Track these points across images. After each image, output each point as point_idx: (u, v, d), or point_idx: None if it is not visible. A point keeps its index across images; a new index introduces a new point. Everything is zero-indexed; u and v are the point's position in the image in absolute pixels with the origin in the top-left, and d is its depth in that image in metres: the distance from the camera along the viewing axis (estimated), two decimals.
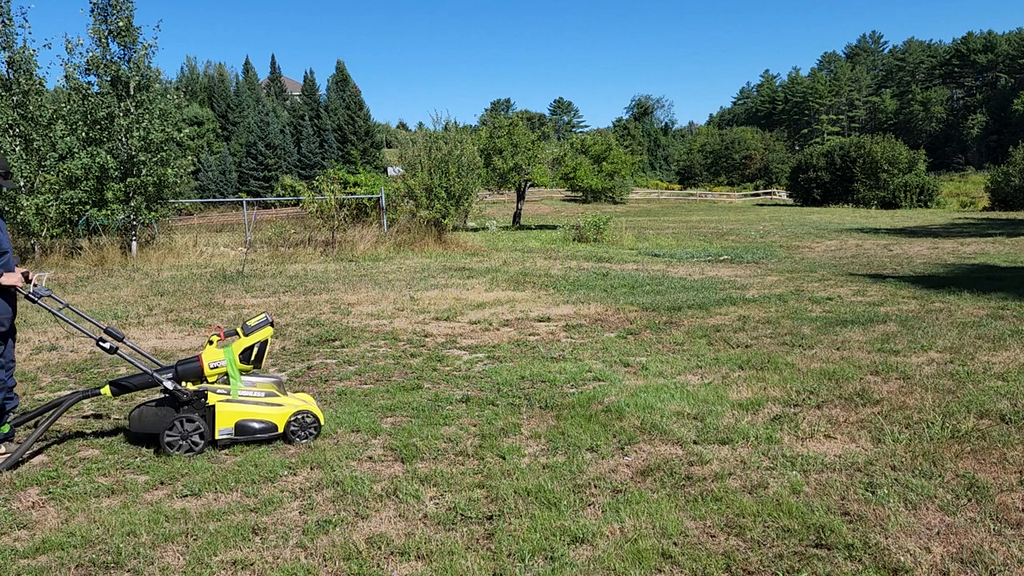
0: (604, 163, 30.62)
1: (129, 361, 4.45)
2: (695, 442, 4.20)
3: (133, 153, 15.62)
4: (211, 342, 4.47)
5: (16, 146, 15.37)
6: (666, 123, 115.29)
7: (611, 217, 22.84)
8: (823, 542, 3.02)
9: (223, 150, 61.14)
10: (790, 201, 53.70)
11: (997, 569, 2.80)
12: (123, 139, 15.65)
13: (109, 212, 15.68)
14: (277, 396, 4.46)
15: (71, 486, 3.79)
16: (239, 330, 4.53)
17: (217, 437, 4.26)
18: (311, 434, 4.40)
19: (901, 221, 29.71)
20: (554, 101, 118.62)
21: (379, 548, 3.08)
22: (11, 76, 15.39)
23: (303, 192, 19.30)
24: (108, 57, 15.62)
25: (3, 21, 15.29)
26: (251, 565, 2.98)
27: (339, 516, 3.39)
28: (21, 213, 14.86)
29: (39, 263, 14.90)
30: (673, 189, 78.04)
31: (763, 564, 2.88)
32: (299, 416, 4.37)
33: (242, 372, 4.46)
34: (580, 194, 40.30)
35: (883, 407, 4.71)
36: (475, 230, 24.77)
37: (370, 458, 4.14)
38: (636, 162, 39.77)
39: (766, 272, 12.66)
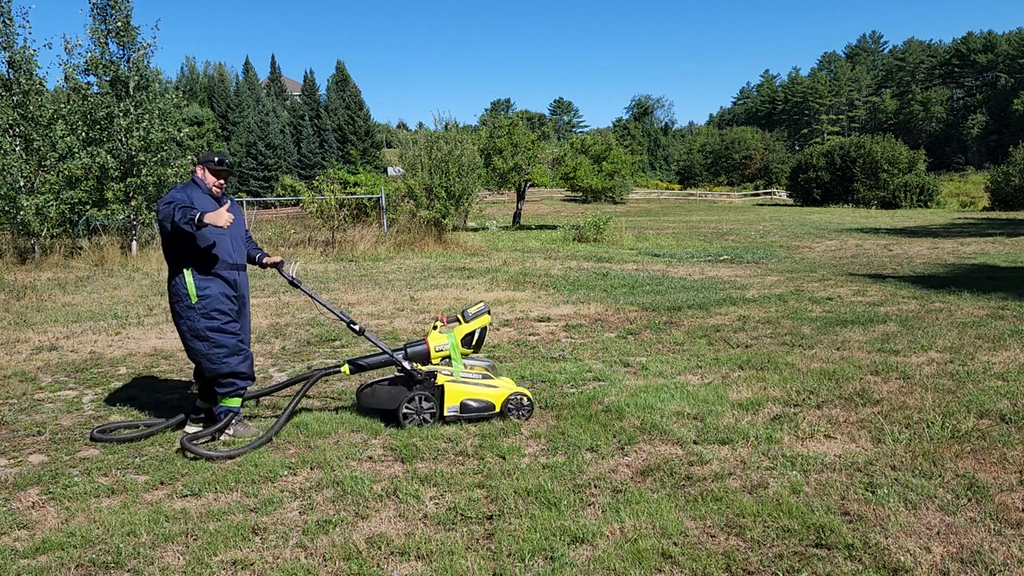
0: (604, 163, 30.62)
1: (374, 343, 4.79)
2: (695, 442, 4.20)
3: (133, 153, 15.63)
4: (435, 327, 4.84)
5: (16, 146, 15.36)
6: (666, 123, 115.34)
7: (611, 217, 22.84)
8: (823, 542, 3.02)
9: (223, 150, 61.13)
10: (790, 201, 53.70)
11: (997, 569, 2.79)
12: (123, 139, 15.65)
13: (109, 212, 15.68)
14: (492, 378, 4.82)
15: (71, 486, 3.79)
16: (460, 317, 4.87)
17: (446, 414, 4.59)
18: (524, 415, 4.68)
19: (901, 221, 29.71)
20: (554, 101, 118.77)
21: (379, 548, 3.08)
22: (11, 76, 15.38)
23: (303, 192, 19.32)
24: (107, 57, 15.62)
25: (3, 21, 15.28)
26: (251, 565, 2.97)
27: (339, 516, 3.39)
28: (21, 213, 14.85)
29: (39, 263, 14.90)
30: (673, 189, 78.03)
31: (763, 564, 2.88)
32: (516, 397, 4.70)
33: (462, 355, 4.81)
34: (580, 194, 40.29)
35: (883, 407, 4.71)
36: (475, 230, 24.77)
37: (370, 458, 4.14)
38: (636, 162, 39.75)
39: (766, 272, 12.66)
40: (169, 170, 16.03)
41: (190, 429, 4.64)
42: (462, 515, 3.36)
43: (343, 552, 3.04)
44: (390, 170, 54.03)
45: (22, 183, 15.34)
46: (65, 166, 15.64)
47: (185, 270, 4.38)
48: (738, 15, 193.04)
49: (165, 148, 16.04)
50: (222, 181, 4.57)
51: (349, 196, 20.03)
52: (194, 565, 2.97)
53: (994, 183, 41.34)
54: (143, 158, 15.64)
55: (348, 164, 42.71)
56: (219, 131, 65.23)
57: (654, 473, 3.78)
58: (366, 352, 5.03)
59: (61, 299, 10.47)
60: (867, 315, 7.90)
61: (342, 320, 4.79)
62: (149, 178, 15.70)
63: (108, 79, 15.63)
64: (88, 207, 15.86)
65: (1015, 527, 3.11)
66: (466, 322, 4.81)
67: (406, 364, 4.66)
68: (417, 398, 4.56)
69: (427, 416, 4.57)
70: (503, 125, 29.05)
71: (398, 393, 4.62)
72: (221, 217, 4.08)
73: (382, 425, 4.68)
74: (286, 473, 3.92)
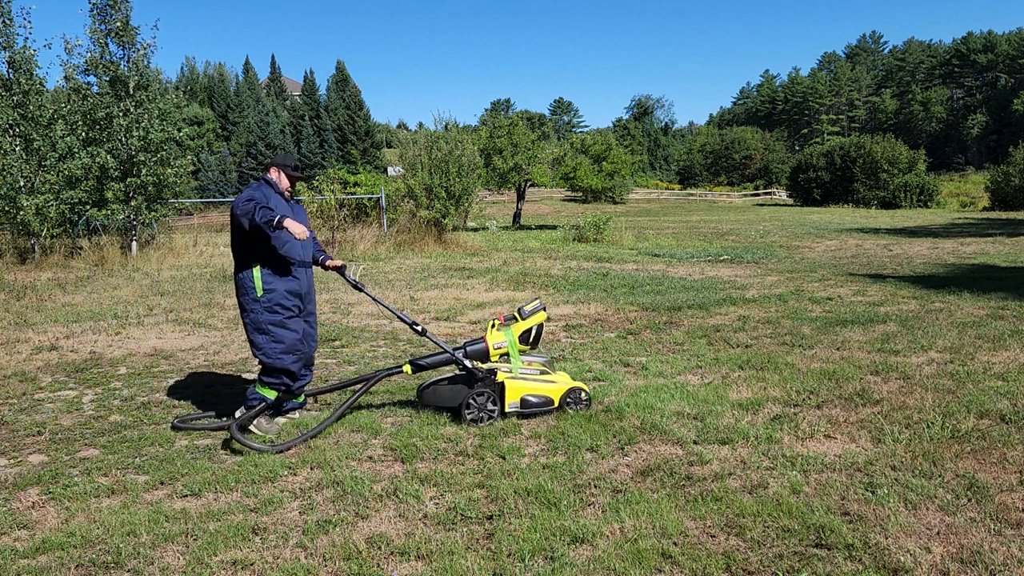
0: (604, 163, 30.62)
1: (436, 343, 4.86)
2: (695, 442, 4.20)
3: (133, 153, 15.62)
4: (493, 325, 4.94)
5: (16, 146, 15.36)
6: (666, 123, 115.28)
7: (611, 217, 22.83)
8: (823, 542, 3.01)
9: (223, 150, 61.12)
10: (790, 201, 53.70)
11: (997, 569, 2.79)
12: (123, 139, 15.65)
13: (109, 212, 15.68)
14: (549, 374, 4.90)
15: (71, 486, 3.79)
16: (516, 314, 4.96)
17: (507, 410, 4.65)
18: (582, 408, 4.77)
19: (901, 221, 29.71)
20: (554, 101, 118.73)
21: (379, 548, 3.08)
22: (11, 76, 15.38)
23: (303, 192, 19.29)
24: (107, 57, 15.62)
25: (3, 21, 15.28)
26: (251, 565, 2.97)
27: (339, 516, 3.39)
28: (21, 213, 14.85)
29: (39, 263, 14.90)
30: (673, 189, 78.01)
31: (763, 564, 2.88)
32: (574, 391, 4.78)
33: (520, 352, 4.90)
34: (580, 194, 40.29)
35: (883, 407, 4.71)
36: (475, 230, 24.77)
37: (370, 458, 4.14)
38: (636, 162, 39.75)
39: (766, 272, 12.66)
40: (169, 170, 16.03)
41: (281, 419, 4.80)
42: (462, 515, 3.36)
43: (343, 552, 3.04)
44: (390, 170, 54.01)
45: (22, 183, 15.33)
46: (65, 166, 15.63)
47: (254, 265, 4.50)
48: (738, 15, 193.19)
49: (165, 148, 16.03)
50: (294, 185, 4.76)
51: (349, 196, 20.03)
52: (194, 565, 2.97)
53: (994, 183, 41.34)
54: (143, 158, 15.64)
55: (348, 164, 42.73)
56: (219, 131, 65.22)
57: (654, 473, 3.78)
58: (428, 352, 5.19)
59: (61, 299, 10.47)
60: (867, 315, 7.90)
61: (404, 321, 4.87)
62: (149, 178, 15.68)
63: (108, 79, 15.63)
64: (88, 207, 15.85)
65: (1015, 527, 3.11)
66: (523, 319, 4.90)
67: (467, 363, 4.73)
68: (478, 396, 4.64)
69: (489, 413, 4.64)
70: (503, 125, 29.04)
71: (459, 391, 4.71)
72: (298, 228, 4.25)
73: (382, 425, 4.68)
74: (286, 473, 3.92)
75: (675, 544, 3.05)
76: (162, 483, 3.83)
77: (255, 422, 4.56)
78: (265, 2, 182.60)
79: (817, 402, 4.88)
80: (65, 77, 15.66)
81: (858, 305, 8.71)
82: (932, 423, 4.34)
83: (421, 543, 3.10)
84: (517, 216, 30.83)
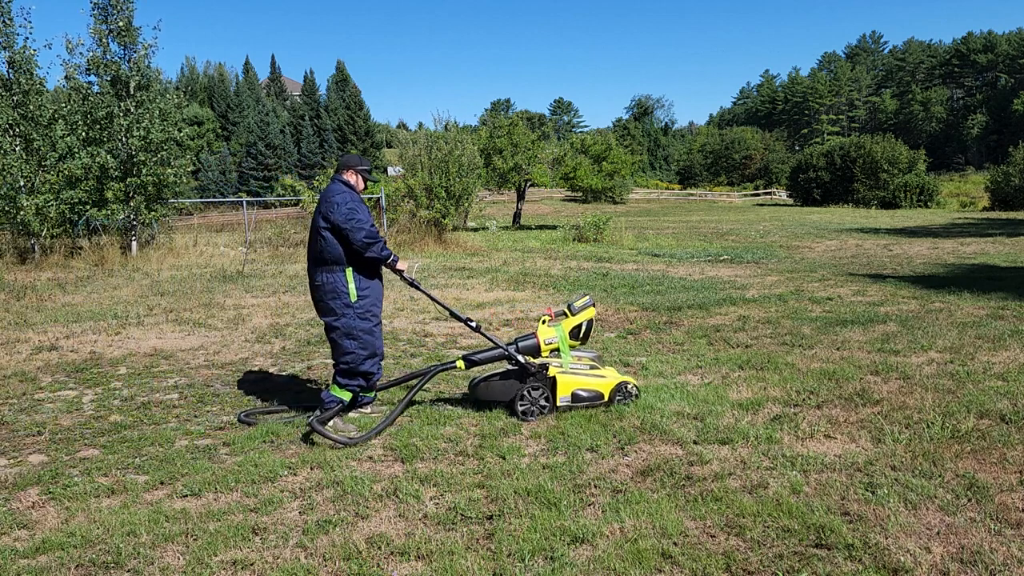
0: (604, 163, 30.62)
1: (489, 339, 4.93)
2: (695, 442, 4.20)
3: (133, 153, 15.62)
4: (543, 321, 4.97)
5: (16, 146, 15.36)
6: (666, 123, 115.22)
7: (611, 217, 22.83)
8: (823, 542, 3.01)
9: (223, 150, 61.11)
10: (790, 201, 53.68)
11: (997, 569, 2.79)
12: (123, 139, 15.65)
13: (109, 212, 15.68)
14: (599, 368, 4.98)
15: (71, 486, 3.79)
16: (566, 310, 5.01)
17: (558, 404, 4.74)
18: (631, 400, 4.86)
19: (901, 221, 29.71)
20: (554, 101, 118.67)
21: (379, 548, 3.08)
22: (12, 76, 15.38)
23: (303, 192, 19.30)
24: (108, 57, 15.62)
25: (3, 21, 15.28)
26: (251, 565, 2.97)
27: (339, 516, 3.39)
28: (21, 213, 14.85)
29: (39, 263, 14.90)
30: (673, 189, 78.02)
31: (763, 564, 2.88)
32: (623, 386, 4.87)
33: (570, 347, 4.96)
34: (580, 194, 40.31)
35: (883, 407, 4.71)
36: (475, 230, 24.76)
37: (370, 458, 4.14)
38: (636, 162, 39.77)
39: (766, 272, 12.66)
40: (169, 170, 16.02)
41: (353, 414, 4.89)
42: (462, 515, 3.36)
43: (343, 552, 3.04)
44: (390, 170, 53.97)
45: (22, 183, 15.33)
46: (65, 166, 15.63)
47: (347, 268, 4.56)
48: (738, 15, 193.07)
49: (165, 148, 16.03)
50: None
51: None
52: (194, 565, 2.97)
53: (994, 183, 41.33)
54: (143, 158, 15.64)
55: None
56: (219, 131, 65.21)
57: (654, 473, 3.78)
58: (480, 348, 5.33)
59: (61, 299, 10.47)
60: (867, 315, 7.90)
61: (458, 319, 4.93)
62: (149, 178, 15.69)
63: (109, 79, 15.63)
64: (88, 207, 15.85)
65: (1015, 527, 3.11)
66: (573, 315, 4.96)
67: (520, 358, 4.80)
68: (531, 390, 4.72)
69: (542, 406, 4.71)
70: (503, 125, 29.03)
71: (511, 386, 4.79)
72: (404, 265, 4.65)
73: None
74: (286, 473, 3.92)
75: (675, 544, 3.05)
76: (162, 483, 3.83)
77: (331, 422, 4.59)
78: (265, 2, 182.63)
79: (817, 402, 4.88)
80: (66, 76, 15.67)
81: (858, 305, 8.71)
82: (932, 423, 4.34)
83: (421, 543, 3.10)
84: (517, 216, 30.83)
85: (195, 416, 5.02)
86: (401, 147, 23.67)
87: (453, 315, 4.95)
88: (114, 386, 5.82)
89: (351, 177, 4.73)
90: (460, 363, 4.89)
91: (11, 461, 4.22)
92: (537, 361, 4.88)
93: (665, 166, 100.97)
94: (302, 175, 55.17)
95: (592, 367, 4.99)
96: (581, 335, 4.96)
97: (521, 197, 31.21)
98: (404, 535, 3.19)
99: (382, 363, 4.87)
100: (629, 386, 4.89)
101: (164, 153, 16.02)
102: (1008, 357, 5.91)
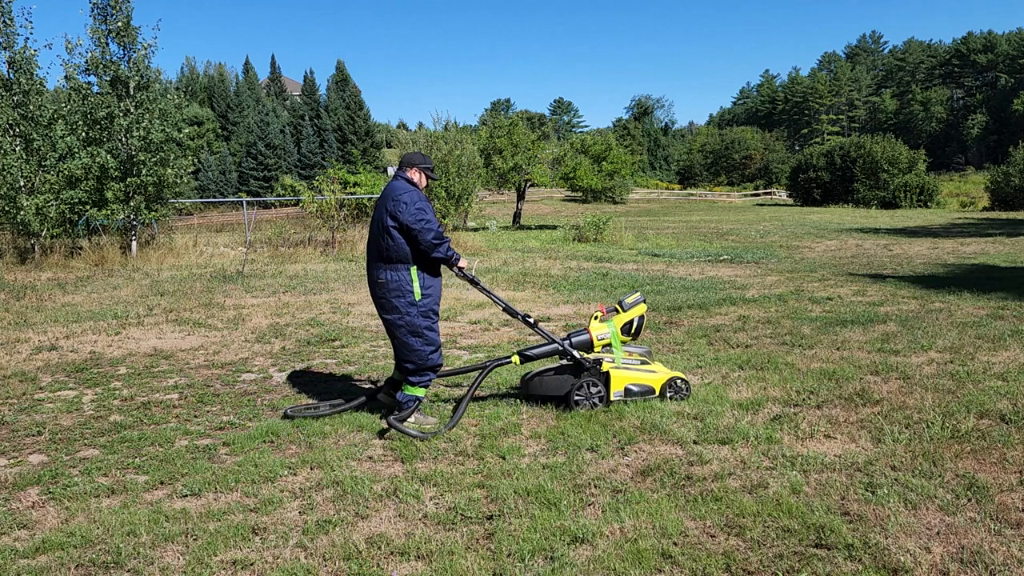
0: (604, 163, 30.63)
1: (544, 335, 4.95)
2: (695, 442, 4.20)
3: (133, 153, 15.62)
4: (595, 318, 5.05)
5: (16, 146, 15.36)
6: (666, 123, 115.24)
7: (611, 217, 22.84)
8: (823, 542, 3.01)
9: (223, 150, 61.10)
10: (790, 201, 53.70)
11: (997, 569, 2.79)
12: (123, 139, 15.65)
13: (109, 212, 15.68)
14: (649, 363, 5.07)
15: (71, 486, 3.79)
16: (618, 307, 5.08)
17: (612, 398, 4.82)
18: (682, 397, 4.95)
19: (901, 221, 29.72)
20: (554, 101, 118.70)
21: (379, 548, 3.08)
22: (12, 76, 15.38)
23: (303, 192, 19.30)
24: (108, 57, 15.61)
25: (4, 21, 15.28)
26: (251, 565, 2.97)
27: (339, 516, 3.39)
28: (21, 213, 14.85)
29: (39, 263, 14.90)
30: (673, 189, 78.03)
31: (763, 564, 2.88)
32: (674, 381, 4.97)
33: (621, 343, 5.05)
34: (580, 194, 40.28)
35: (883, 407, 4.71)
36: (475, 230, 24.76)
37: (370, 458, 4.14)
38: (636, 162, 39.81)
39: (766, 272, 12.66)
40: (169, 170, 16.02)
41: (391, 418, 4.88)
42: (462, 515, 3.36)
43: (343, 552, 3.04)
44: (390, 170, 53.96)
45: (22, 183, 15.34)
46: (65, 166, 15.63)
47: (412, 267, 4.58)
48: (738, 15, 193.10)
49: (165, 148, 16.03)
50: None
51: (349, 196, 20.02)
52: (194, 565, 2.97)
53: (994, 183, 41.36)
54: (143, 158, 15.63)
55: (348, 164, 42.68)
56: (219, 131, 65.21)
57: (654, 473, 3.78)
58: (533, 343, 5.39)
59: (61, 299, 10.47)
60: (867, 315, 7.90)
61: (515, 315, 4.95)
62: (149, 178, 15.69)
63: (108, 79, 15.62)
64: (88, 207, 15.86)
65: (1015, 527, 3.11)
66: (624, 311, 5.02)
67: (575, 353, 4.85)
68: (586, 384, 4.80)
69: (596, 400, 4.79)
70: (503, 125, 29.06)
71: (565, 381, 4.88)
72: (464, 263, 4.73)
73: (382, 425, 4.68)
74: (286, 473, 3.92)
75: (675, 544, 3.05)
76: (162, 483, 3.83)
77: (414, 417, 4.66)
78: (265, 2, 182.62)
79: (817, 402, 4.89)
80: (66, 77, 15.66)
81: (858, 305, 8.71)
82: (932, 423, 4.34)
83: (421, 543, 3.10)
84: (517, 216, 30.84)
85: (195, 416, 5.02)
86: (401, 147, 23.68)
87: (509, 311, 4.99)
88: (114, 386, 5.82)
89: (414, 175, 4.74)
90: (515, 358, 4.96)
91: (11, 461, 4.22)
92: (591, 356, 4.96)
93: (665, 166, 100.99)
94: (302, 175, 55.17)
95: (643, 362, 5.08)
96: (632, 331, 5.05)
97: (521, 197, 31.22)
98: (404, 535, 3.19)
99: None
100: (679, 381, 4.98)
101: (164, 153, 16.01)
102: (1008, 357, 5.91)
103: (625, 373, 4.88)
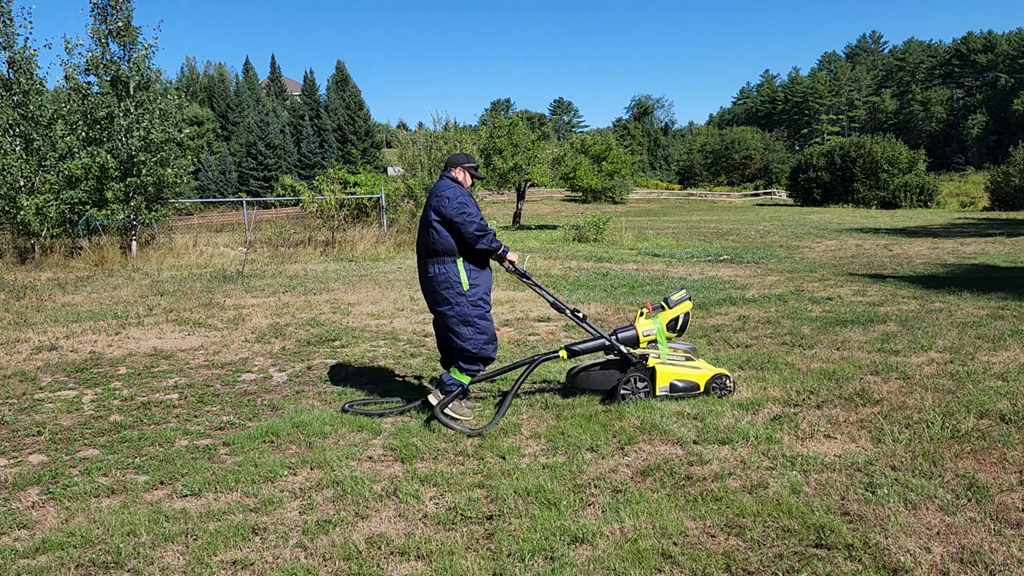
0: (604, 163, 30.62)
1: (591, 330, 5.04)
2: (695, 442, 4.20)
3: (133, 153, 15.62)
4: (641, 314, 5.15)
5: (16, 146, 15.36)
6: (666, 123, 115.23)
7: (611, 217, 22.84)
8: (823, 542, 3.01)
9: (223, 150, 61.11)
10: (790, 201, 53.68)
11: (997, 569, 2.79)
12: (123, 139, 15.65)
13: (109, 212, 15.68)
14: (694, 360, 5.14)
15: (71, 486, 3.79)
16: (663, 303, 5.15)
17: (657, 393, 4.91)
18: (726, 394, 4.99)
19: (901, 221, 29.72)
20: (554, 101, 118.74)
21: (379, 548, 3.08)
22: (12, 76, 15.38)
23: (303, 192, 19.31)
24: (108, 57, 15.62)
25: (4, 21, 15.28)
26: (251, 565, 2.97)
27: (339, 516, 3.39)
28: (21, 213, 14.85)
29: (39, 263, 14.90)
30: (673, 189, 78.01)
31: (763, 564, 2.88)
32: (719, 378, 5.01)
33: (667, 339, 5.13)
34: (580, 194, 40.29)
35: (883, 407, 4.71)
36: None
37: (370, 458, 4.14)
38: (636, 162, 39.81)
39: (766, 272, 12.66)
40: (169, 170, 16.02)
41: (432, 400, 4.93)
42: (462, 515, 3.36)
43: (343, 552, 3.04)
44: (390, 170, 53.97)
45: (22, 183, 15.34)
46: (65, 166, 15.63)
47: (458, 259, 4.72)
48: (738, 15, 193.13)
49: (165, 148, 16.03)
50: None
51: (349, 196, 20.03)
52: (194, 565, 2.97)
53: (994, 183, 41.35)
54: (143, 158, 15.64)
55: (348, 164, 42.68)
56: (219, 131, 65.21)
57: (654, 473, 3.78)
58: (581, 339, 5.49)
59: (61, 299, 10.47)
60: (867, 315, 7.90)
61: (563, 311, 5.02)
62: (149, 178, 15.69)
63: (108, 79, 15.63)
64: (88, 207, 15.86)
65: (1015, 527, 3.11)
66: (670, 308, 5.09)
67: (623, 348, 4.94)
68: (633, 379, 4.89)
69: (642, 395, 4.89)
70: (503, 125, 29.04)
71: (611, 375, 4.97)
72: (515, 257, 4.88)
73: (382, 425, 4.69)
74: (286, 473, 3.92)
75: (675, 544, 3.05)
76: (162, 483, 3.83)
77: (451, 405, 4.72)
78: (265, 2, 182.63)
79: (817, 402, 4.88)
80: (66, 77, 15.67)
81: (858, 305, 8.70)
82: (932, 423, 4.34)
83: (421, 543, 3.10)
84: (517, 216, 30.83)
85: (195, 416, 5.02)
86: (401, 147, 23.68)
87: (557, 306, 5.05)
88: (114, 386, 5.82)
89: (459, 174, 4.91)
90: (563, 352, 5.02)
91: (11, 461, 4.22)
92: (637, 351, 5.02)
93: (665, 166, 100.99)
94: (302, 175, 55.18)
95: (687, 358, 5.14)
96: (678, 328, 5.11)
97: (521, 197, 31.21)
98: (404, 535, 3.19)
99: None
100: (725, 378, 5.01)
101: (164, 153, 16.02)
102: (1008, 357, 5.91)
103: (671, 369, 4.95)
